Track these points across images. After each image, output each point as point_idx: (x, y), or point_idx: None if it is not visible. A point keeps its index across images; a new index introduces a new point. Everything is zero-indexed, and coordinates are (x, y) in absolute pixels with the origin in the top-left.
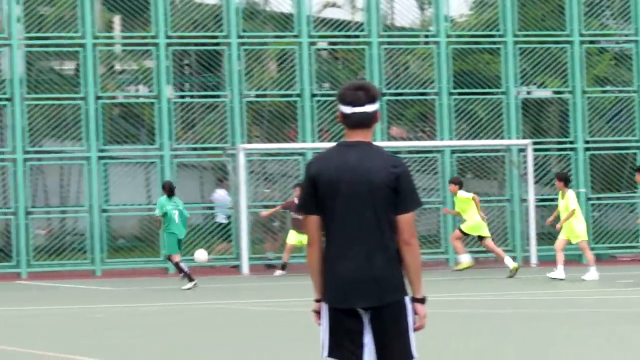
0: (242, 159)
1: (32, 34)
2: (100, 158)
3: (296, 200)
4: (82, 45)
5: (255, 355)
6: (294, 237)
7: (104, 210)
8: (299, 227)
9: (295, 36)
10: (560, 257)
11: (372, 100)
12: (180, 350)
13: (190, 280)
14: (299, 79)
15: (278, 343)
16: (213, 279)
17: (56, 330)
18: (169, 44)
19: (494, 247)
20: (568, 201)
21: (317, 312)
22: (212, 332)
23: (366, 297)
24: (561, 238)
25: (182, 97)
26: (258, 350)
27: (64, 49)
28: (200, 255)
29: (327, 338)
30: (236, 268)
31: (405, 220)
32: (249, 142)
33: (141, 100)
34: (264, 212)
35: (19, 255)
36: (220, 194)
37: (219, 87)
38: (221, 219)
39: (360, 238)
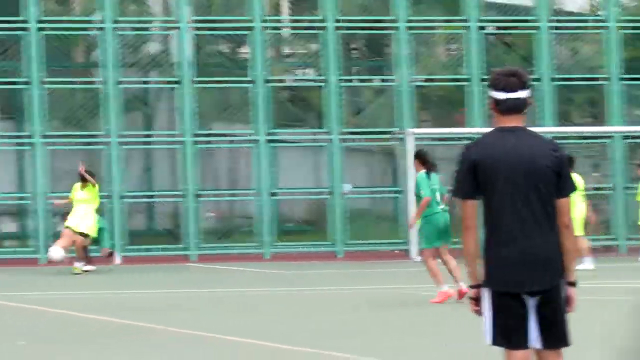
0: (410, 144)
1: (201, 17)
2: (269, 141)
3: None
4: (250, 29)
5: (414, 339)
6: None
7: (273, 194)
8: None
9: (464, 20)
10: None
11: (524, 86)
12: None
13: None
14: (467, 63)
15: (432, 328)
16: (378, 263)
17: (227, 312)
18: (337, 28)
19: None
20: None
21: (474, 299)
22: (383, 314)
23: (537, 280)
24: None
25: (350, 80)
26: (420, 333)
27: (232, 32)
28: (55, 253)
29: (491, 324)
30: (405, 252)
31: (565, 203)
32: (418, 127)
33: (309, 84)
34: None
35: (188, 238)
36: None
37: (382, 70)
38: None
39: (529, 222)
